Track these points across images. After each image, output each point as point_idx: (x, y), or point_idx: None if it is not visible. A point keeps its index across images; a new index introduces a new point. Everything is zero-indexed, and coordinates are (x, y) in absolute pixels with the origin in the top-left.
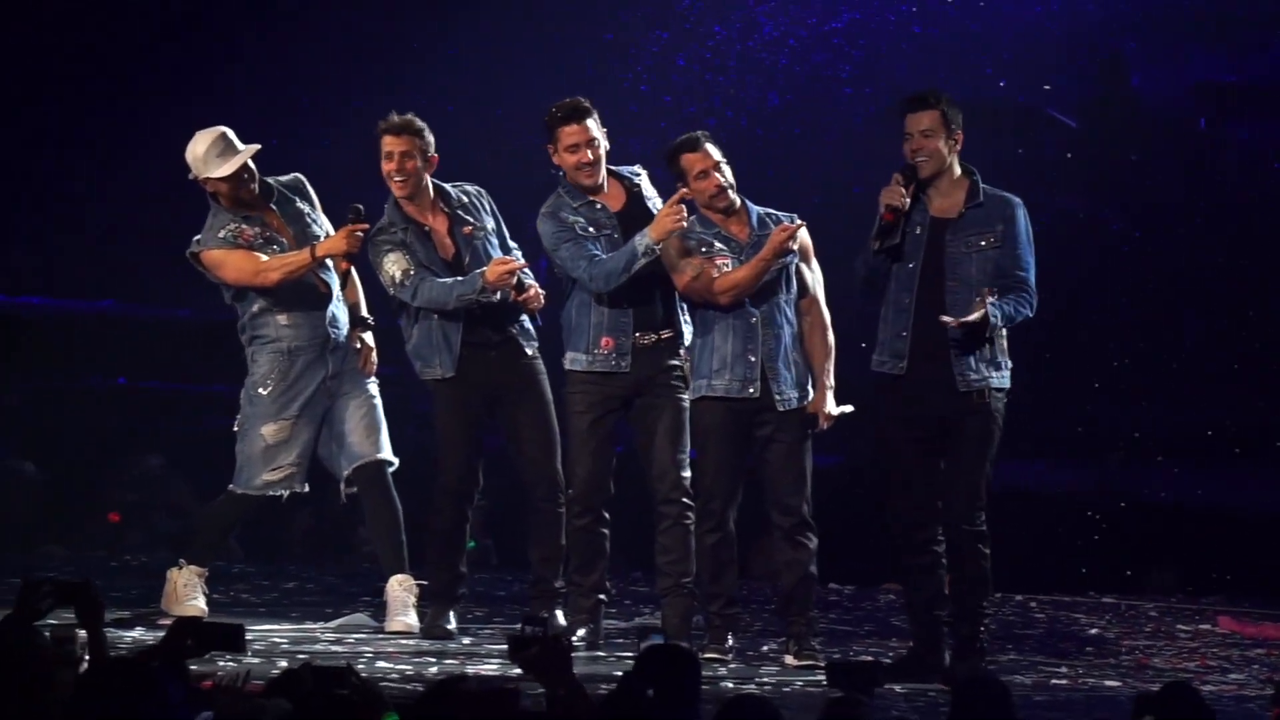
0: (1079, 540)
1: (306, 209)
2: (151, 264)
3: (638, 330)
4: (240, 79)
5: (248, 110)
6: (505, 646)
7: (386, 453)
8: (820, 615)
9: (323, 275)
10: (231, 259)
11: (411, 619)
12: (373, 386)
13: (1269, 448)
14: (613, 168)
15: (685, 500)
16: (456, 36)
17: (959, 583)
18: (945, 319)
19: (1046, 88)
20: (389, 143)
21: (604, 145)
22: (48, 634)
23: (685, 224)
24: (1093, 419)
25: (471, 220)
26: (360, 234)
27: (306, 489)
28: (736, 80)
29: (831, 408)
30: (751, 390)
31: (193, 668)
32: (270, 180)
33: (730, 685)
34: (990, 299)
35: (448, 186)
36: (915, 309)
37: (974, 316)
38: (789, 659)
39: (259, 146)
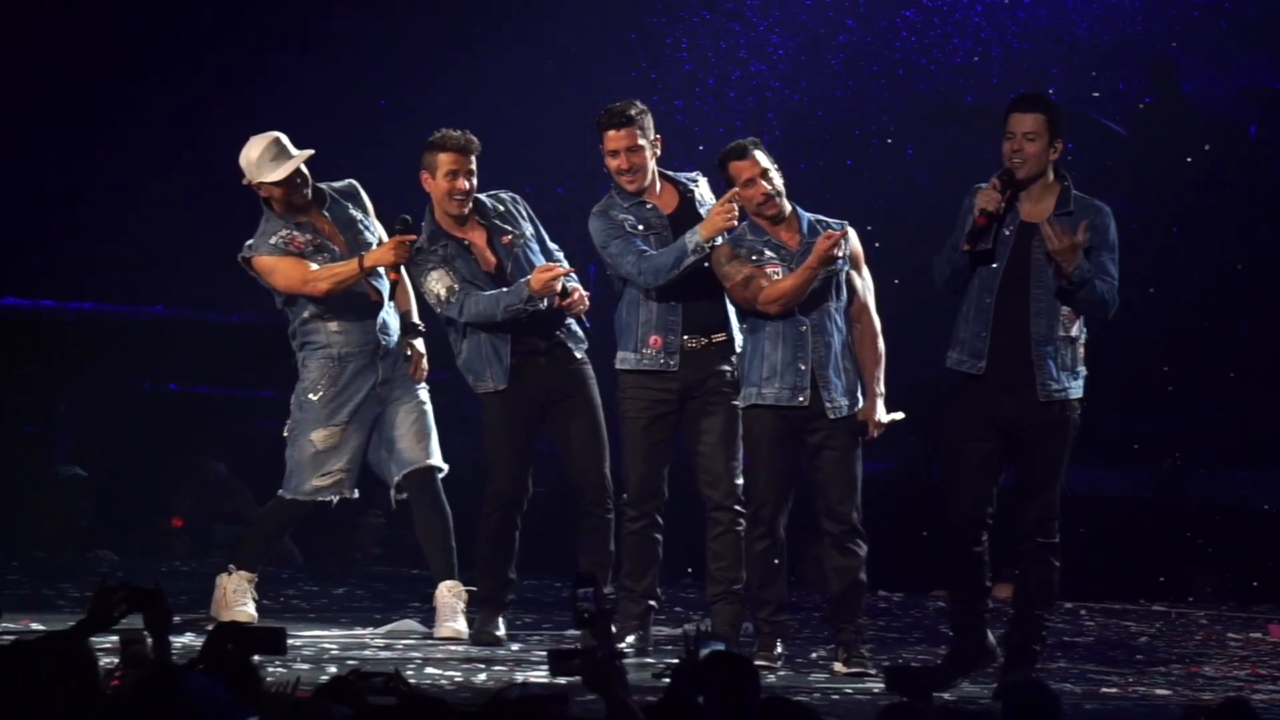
0: (1130, 547)
1: (359, 215)
2: (201, 269)
3: (687, 333)
4: (291, 84)
5: (298, 115)
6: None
7: (436, 459)
8: (869, 622)
9: (374, 282)
10: (281, 266)
11: (460, 625)
12: (423, 393)
13: None
14: (668, 172)
15: (738, 507)
16: (505, 39)
17: (1024, 592)
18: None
19: (1096, 95)
20: (455, 161)
21: (652, 152)
22: (116, 636)
23: (736, 223)
24: (1143, 423)
25: (510, 229)
26: (409, 244)
27: (356, 495)
28: (788, 87)
29: (882, 415)
30: (801, 399)
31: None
32: (323, 186)
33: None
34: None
35: (482, 197)
36: (995, 310)
37: (1080, 237)
38: (838, 666)
39: (312, 152)
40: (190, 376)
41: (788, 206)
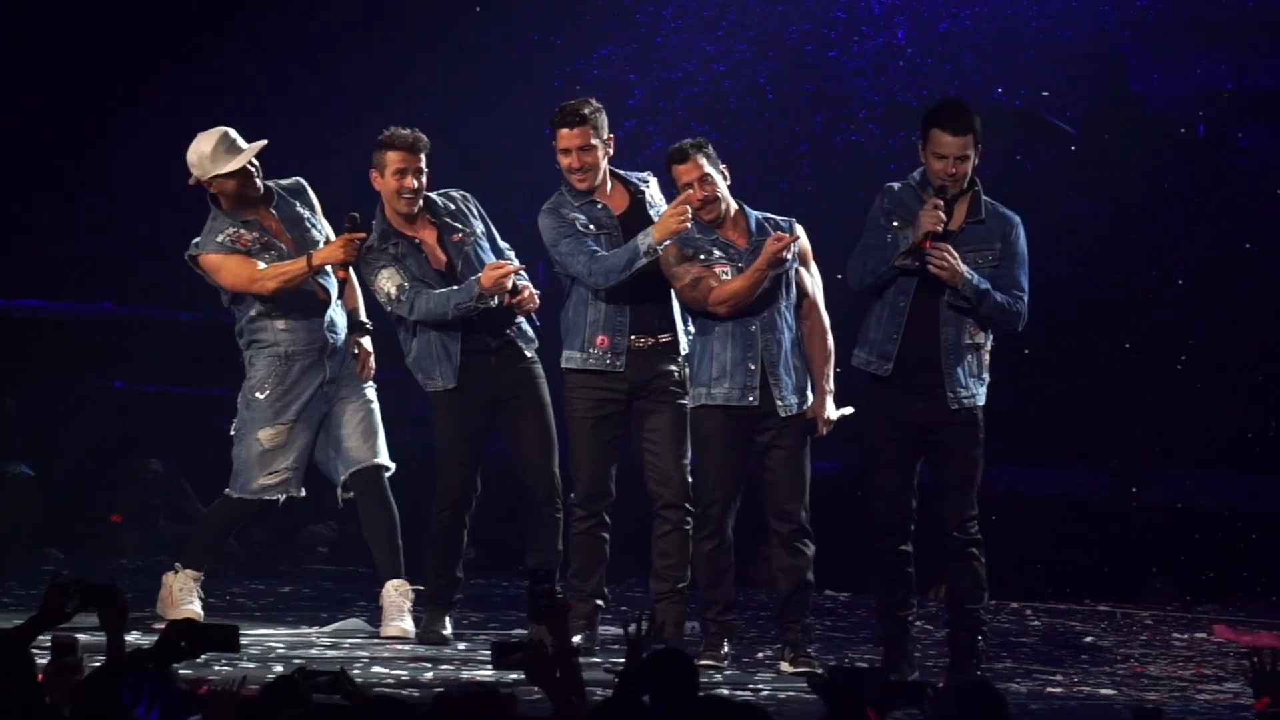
0: (1076, 547)
1: (306, 213)
2: (150, 266)
3: (634, 332)
4: (240, 82)
5: (247, 115)
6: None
7: (383, 457)
8: (816, 622)
9: (321, 280)
10: (229, 264)
11: (407, 624)
12: (370, 391)
13: (1273, 453)
14: (619, 172)
15: (687, 505)
16: (459, 38)
17: (955, 591)
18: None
19: (1046, 94)
20: (403, 159)
21: (604, 151)
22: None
23: (689, 226)
24: (1092, 425)
25: (460, 227)
26: (357, 242)
27: (303, 494)
28: (741, 86)
29: (831, 412)
30: (751, 398)
31: (186, 672)
32: (271, 183)
33: (726, 691)
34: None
35: (433, 195)
36: (909, 314)
37: (959, 266)
38: (784, 665)
39: (265, 143)
40: (138, 374)
41: (733, 207)
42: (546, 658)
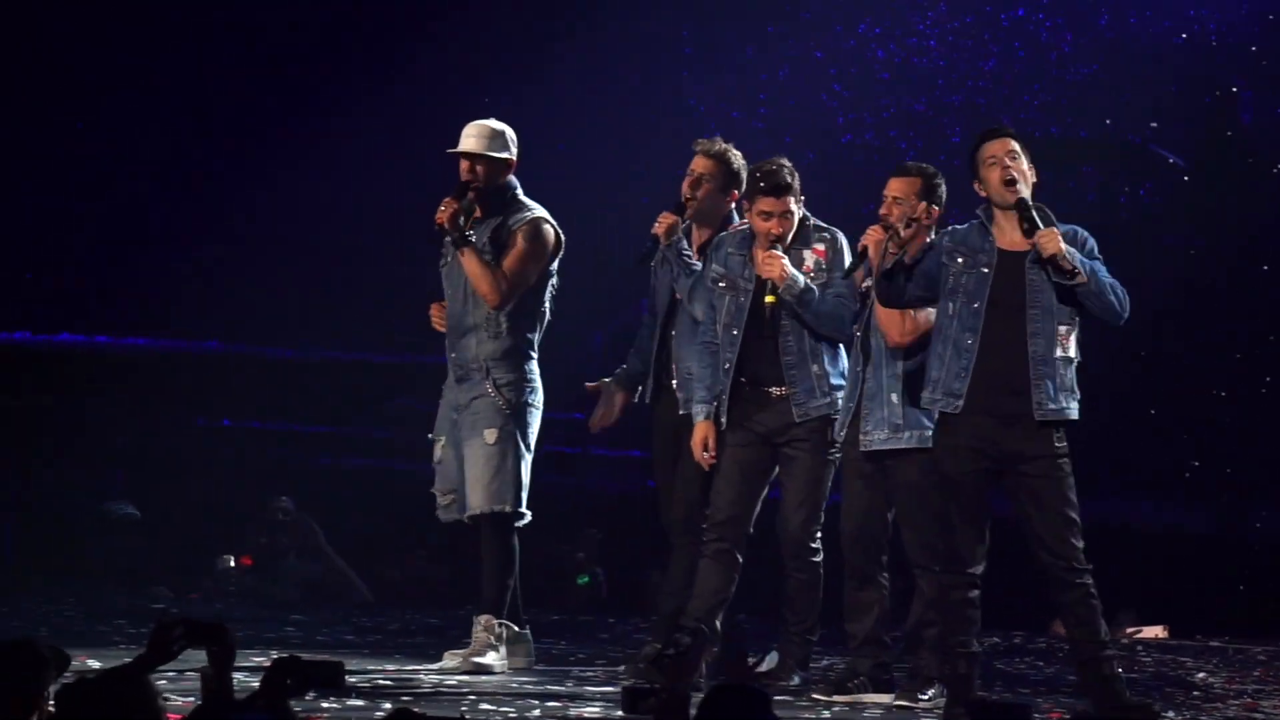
0: (1189, 581)
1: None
2: (257, 304)
3: (750, 382)
4: (345, 123)
5: (358, 156)
6: (621, 698)
7: (492, 504)
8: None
9: (464, 302)
10: None
11: (483, 660)
12: (490, 433)
13: None
14: (810, 221)
15: (812, 559)
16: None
17: (1076, 626)
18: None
19: (1154, 125)
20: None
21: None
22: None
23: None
24: (1203, 456)
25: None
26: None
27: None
28: (824, 112)
29: None
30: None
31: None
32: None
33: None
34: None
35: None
36: (980, 347)
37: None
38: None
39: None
40: (246, 412)
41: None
42: (679, 704)
